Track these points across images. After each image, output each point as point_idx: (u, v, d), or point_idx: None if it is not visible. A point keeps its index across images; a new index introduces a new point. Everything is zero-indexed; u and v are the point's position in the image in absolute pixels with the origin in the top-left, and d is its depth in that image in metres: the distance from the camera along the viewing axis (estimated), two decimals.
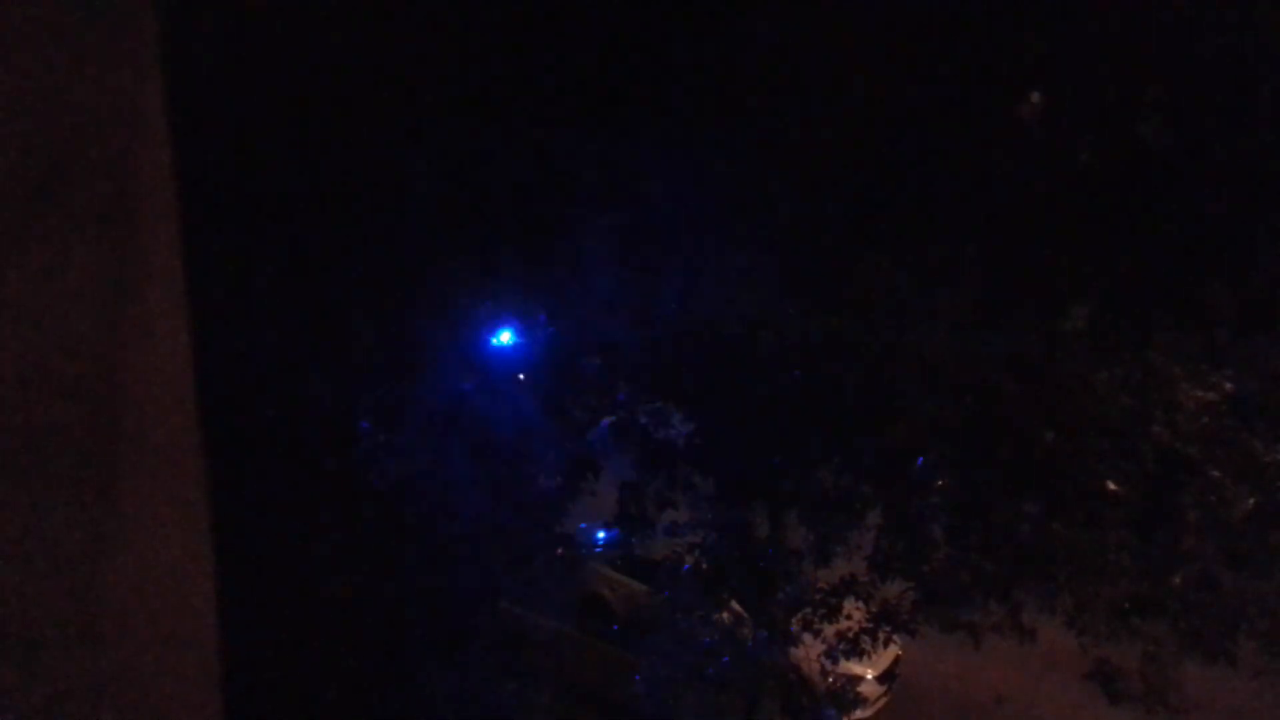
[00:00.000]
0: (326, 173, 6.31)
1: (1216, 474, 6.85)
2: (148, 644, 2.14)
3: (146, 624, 2.14)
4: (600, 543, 12.70)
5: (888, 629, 8.31)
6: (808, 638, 8.61)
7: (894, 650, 11.45)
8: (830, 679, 9.33)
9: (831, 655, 8.65)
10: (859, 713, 11.80)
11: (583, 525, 10.31)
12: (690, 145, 6.93)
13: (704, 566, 8.50)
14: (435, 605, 7.56)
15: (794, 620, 8.52)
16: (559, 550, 8.54)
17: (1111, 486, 7.02)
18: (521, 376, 8.18)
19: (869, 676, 11.98)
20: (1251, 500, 6.85)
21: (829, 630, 8.56)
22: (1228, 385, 6.81)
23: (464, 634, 7.75)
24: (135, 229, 2.10)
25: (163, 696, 2.20)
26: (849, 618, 8.51)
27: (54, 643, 1.95)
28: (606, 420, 8.49)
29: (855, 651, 8.55)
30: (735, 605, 8.65)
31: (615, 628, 12.31)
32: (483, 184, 6.98)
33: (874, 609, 8.35)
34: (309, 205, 6.31)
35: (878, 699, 12.62)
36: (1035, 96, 6.93)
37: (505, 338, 7.90)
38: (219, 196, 5.55)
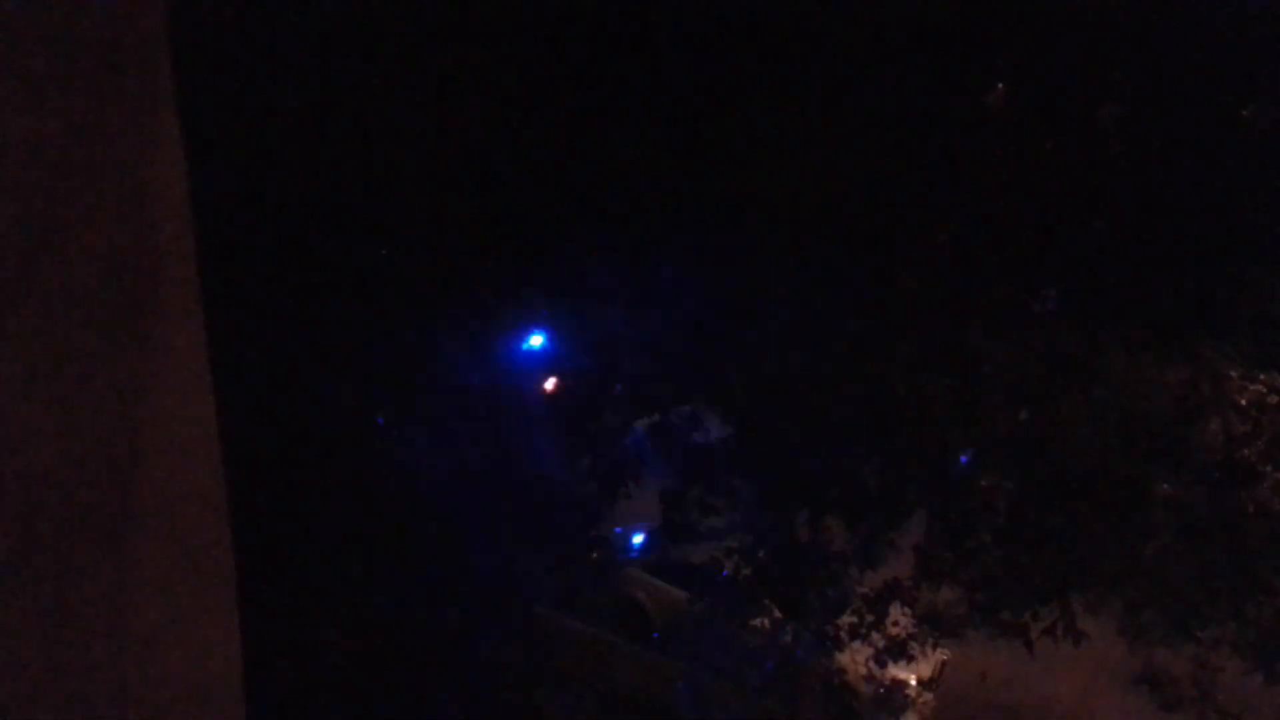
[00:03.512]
0: (344, 177, 6.25)
1: (1275, 475, 6.64)
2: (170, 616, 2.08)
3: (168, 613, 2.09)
4: (636, 547, 12.58)
5: (935, 634, 8.14)
6: (853, 643, 8.45)
7: (940, 655, 11.26)
8: (875, 684, 9.16)
9: (879, 660, 8.49)
10: (904, 718, 11.61)
11: (618, 529, 10.21)
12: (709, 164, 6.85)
13: (744, 572, 8.36)
14: (462, 609, 7.45)
15: (837, 625, 8.36)
16: (594, 554, 8.44)
17: (1165, 489, 6.82)
18: (554, 380, 8.07)
19: (913, 682, 11.79)
20: None
21: (875, 635, 8.40)
22: None
23: (491, 638, 7.65)
24: (150, 222, 2.02)
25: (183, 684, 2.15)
26: (895, 623, 8.34)
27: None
28: (641, 424, 8.35)
29: (902, 656, 8.39)
30: (776, 611, 8.49)
31: (654, 634, 12.19)
32: (503, 184, 6.90)
33: (919, 613, 8.18)
34: (328, 209, 6.25)
35: (922, 704, 12.41)
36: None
37: (536, 340, 7.80)
38: (239, 196, 5.52)
